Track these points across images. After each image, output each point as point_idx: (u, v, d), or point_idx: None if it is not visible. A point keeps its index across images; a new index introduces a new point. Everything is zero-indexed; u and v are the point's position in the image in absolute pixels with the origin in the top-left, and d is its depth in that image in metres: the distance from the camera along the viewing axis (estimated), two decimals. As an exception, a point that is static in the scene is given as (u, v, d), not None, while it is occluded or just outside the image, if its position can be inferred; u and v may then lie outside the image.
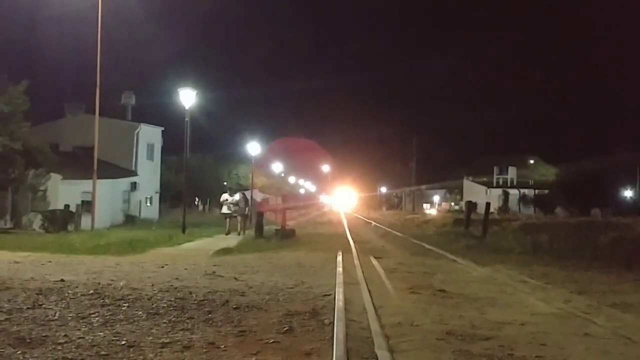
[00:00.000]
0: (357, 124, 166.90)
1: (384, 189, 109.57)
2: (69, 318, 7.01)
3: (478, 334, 6.83)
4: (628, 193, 70.65)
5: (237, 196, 26.38)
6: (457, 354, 5.92)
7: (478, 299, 9.50)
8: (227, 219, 25.89)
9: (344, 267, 13.03)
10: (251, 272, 12.18)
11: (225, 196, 26.42)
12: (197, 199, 59.72)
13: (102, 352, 5.56)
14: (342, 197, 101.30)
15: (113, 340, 6.03)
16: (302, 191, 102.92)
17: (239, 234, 24.75)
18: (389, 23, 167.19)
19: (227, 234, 24.76)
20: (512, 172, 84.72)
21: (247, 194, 31.30)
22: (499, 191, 74.43)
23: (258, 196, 51.82)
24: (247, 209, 27.08)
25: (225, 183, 61.50)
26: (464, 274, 12.96)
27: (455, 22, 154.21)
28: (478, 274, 13.07)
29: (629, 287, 11.10)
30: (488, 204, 26.51)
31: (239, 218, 26.02)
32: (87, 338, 6.07)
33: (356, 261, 14.71)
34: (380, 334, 6.72)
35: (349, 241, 22.04)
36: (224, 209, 26.12)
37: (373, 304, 8.62)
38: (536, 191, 72.24)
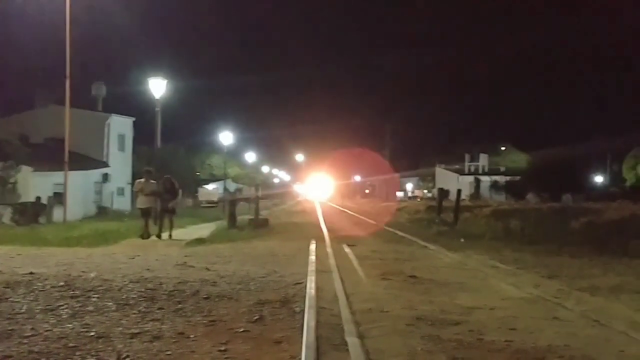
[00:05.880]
0: (331, 112, 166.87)
1: (358, 178, 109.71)
2: (37, 311, 6.92)
3: (448, 319, 6.89)
4: (599, 179, 71.72)
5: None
6: (427, 339, 5.95)
7: (448, 284, 9.59)
8: (145, 216, 17.98)
9: (316, 256, 13.04)
10: (223, 262, 12.12)
11: (141, 183, 18.30)
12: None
13: (71, 344, 5.51)
14: (317, 186, 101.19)
15: (82, 331, 5.98)
16: (276, 180, 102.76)
17: (143, 237, 17.50)
18: (364, 15, 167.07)
19: (142, 237, 17.47)
20: (483, 159, 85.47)
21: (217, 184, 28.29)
22: (471, 178, 74.95)
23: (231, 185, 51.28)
24: (174, 200, 18.65)
25: (198, 173, 61.09)
26: (435, 260, 13.06)
27: (428, 12, 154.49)
28: (449, 259, 13.18)
29: (599, 271, 11.24)
30: (459, 191, 26.66)
31: (166, 214, 18.29)
32: (55, 330, 6.01)
33: (329, 249, 14.73)
34: (351, 320, 6.75)
35: (322, 230, 22.05)
36: (140, 202, 18.27)
37: (344, 291, 8.65)
38: (507, 178, 72.81)
